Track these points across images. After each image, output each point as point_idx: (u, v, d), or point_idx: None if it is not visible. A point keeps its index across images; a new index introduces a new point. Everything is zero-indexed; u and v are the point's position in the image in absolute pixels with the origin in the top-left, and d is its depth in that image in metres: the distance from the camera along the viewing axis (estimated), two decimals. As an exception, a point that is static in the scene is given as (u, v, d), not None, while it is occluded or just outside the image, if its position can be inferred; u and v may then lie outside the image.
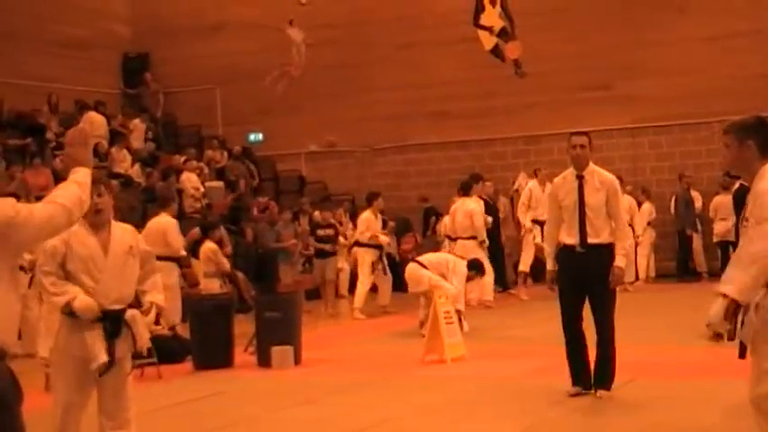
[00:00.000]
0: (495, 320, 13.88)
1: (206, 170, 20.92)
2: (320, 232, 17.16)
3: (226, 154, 21.96)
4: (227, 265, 13.43)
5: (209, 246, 13.20)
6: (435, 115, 21.88)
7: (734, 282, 4.72)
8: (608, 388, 8.11)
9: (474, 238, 14.66)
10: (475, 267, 12.99)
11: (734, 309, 4.69)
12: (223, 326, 11.02)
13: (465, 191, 15.29)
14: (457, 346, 10.56)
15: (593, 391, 8.14)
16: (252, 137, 23.59)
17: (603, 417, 7.60)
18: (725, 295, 4.70)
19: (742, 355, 4.81)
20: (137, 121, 21.38)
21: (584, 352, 8.17)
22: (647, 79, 20.08)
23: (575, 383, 8.20)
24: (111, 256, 5.60)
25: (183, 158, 20.57)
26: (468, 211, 14.83)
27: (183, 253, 13.20)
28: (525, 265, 16.79)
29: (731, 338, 4.78)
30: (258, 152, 23.13)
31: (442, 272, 12.53)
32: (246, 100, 22.69)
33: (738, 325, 4.74)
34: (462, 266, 12.76)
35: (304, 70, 20.69)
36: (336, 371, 10.48)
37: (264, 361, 10.74)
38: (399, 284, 16.25)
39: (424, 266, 12.64)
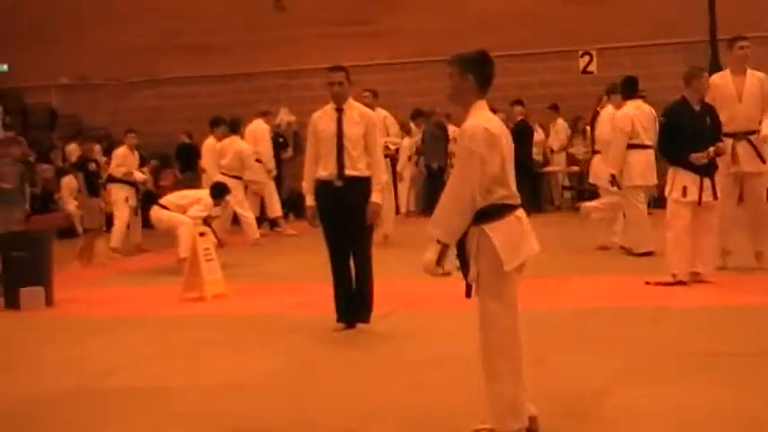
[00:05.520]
0: (255, 257, 13.77)
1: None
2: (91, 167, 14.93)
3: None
4: None
5: None
6: (194, 48, 21.35)
7: (441, 224, 4.77)
8: (367, 320, 8.18)
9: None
10: (217, 192, 13.00)
11: (446, 252, 4.75)
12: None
13: (233, 129, 15.66)
14: (217, 283, 10.38)
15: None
16: (-6, 67, 22.28)
17: (360, 349, 7.63)
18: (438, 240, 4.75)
19: (468, 294, 4.90)
20: None
21: (351, 287, 8.17)
22: (408, 15, 20.29)
23: (339, 319, 8.21)
24: None
25: None
26: (238, 150, 15.36)
27: None
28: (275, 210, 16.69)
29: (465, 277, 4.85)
30: (3, 84, 21.83)
31: (184, 208, 12.66)
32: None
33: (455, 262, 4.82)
34: (205, 195, 12.91)
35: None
36: (92, 311, 10.11)
37: (12, 303, 10.20)
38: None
39: (165, 207, 12.88)
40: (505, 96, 19.12)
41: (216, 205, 12.95)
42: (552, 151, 19.63)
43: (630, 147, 11.76)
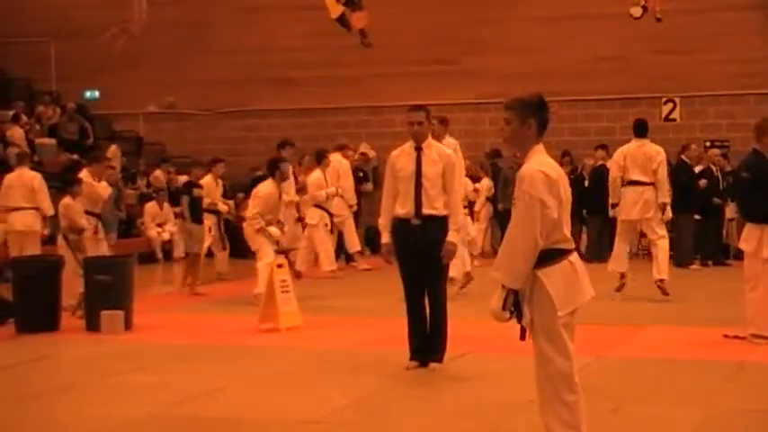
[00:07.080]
0: (330, 291, 13.86)
1: (37, 126, 20.08)
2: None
3: (59, 110, 21.14)
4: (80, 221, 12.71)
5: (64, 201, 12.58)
6: (279, 81, 21.67)
7: (505, 269, 4.76)
8: (440, 360, 8.17)
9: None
10: (270, 168, 12.41)
11: (512, 296, 4.73)
12: (50, 288, 10.61)
13: (318, 161, 15.89)
14: (292, 315, 10.46)
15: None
16: (88, 94, 22.83)
17: (434, 389, 7.64)
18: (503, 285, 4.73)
19: (522, 337, 4.87)
20: None
21: (425, 326, 8.17)
22: (492, 56, 20.36)
23: (412, 357, 8.21)
24: None
25: (11, 112, 19.68)
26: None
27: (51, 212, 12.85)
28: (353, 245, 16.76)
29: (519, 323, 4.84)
30: (94, 110, 22.40)
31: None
32: (83, 55, 21.89)
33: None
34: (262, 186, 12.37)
35: (145, 28, 20.09)
36: (169, 337, 10.26)
37: (93, 326, 10.40)
38: (237, 251, 16.01)
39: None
40: (587, 141, 19.11)
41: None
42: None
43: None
